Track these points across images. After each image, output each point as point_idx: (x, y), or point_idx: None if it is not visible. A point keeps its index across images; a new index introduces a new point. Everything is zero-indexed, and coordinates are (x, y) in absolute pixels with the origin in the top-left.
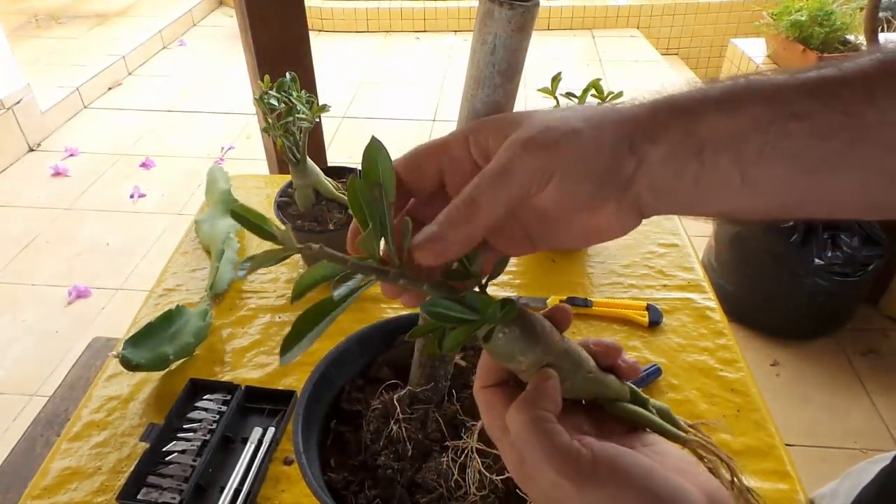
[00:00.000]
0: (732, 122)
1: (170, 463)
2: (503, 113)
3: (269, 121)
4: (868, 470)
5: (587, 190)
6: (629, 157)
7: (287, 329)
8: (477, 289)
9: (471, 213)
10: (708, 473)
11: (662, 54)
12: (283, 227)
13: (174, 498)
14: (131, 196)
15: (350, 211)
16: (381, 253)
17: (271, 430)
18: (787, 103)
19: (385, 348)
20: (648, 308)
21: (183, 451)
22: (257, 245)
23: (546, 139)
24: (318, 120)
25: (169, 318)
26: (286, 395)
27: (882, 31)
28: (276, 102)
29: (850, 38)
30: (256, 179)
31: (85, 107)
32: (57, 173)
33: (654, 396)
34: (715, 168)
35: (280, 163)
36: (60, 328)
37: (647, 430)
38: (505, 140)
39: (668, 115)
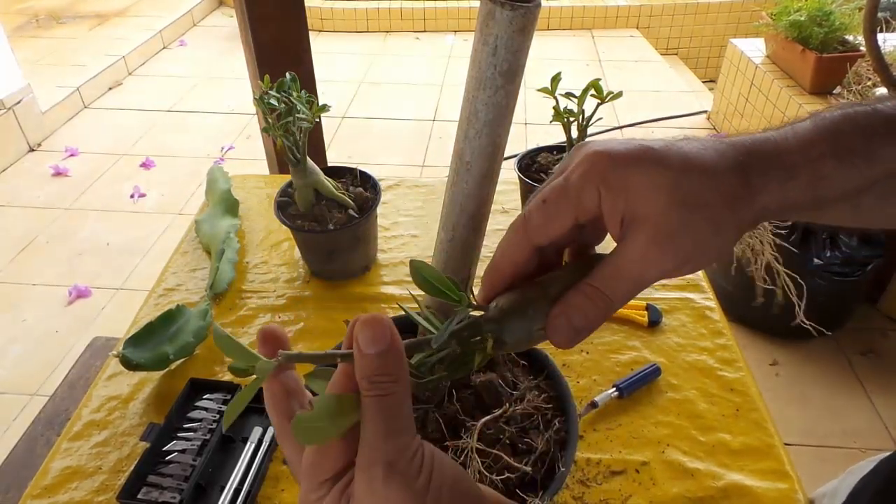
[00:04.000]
0: (863, 179)
1: (170, 462)
2: (629, 153)
3: (269, 121)
4: (868, 468)
5: (714, 261)
6: (752, 227)
7: (287, 328)
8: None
9: (605, 308)
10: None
11: (662, 54)
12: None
13: (174, 497)
14: (131, 196)
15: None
16: None
17: (271, 430)
18: None
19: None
20: (648, 308)
21: (183, 451)
22: (257, 245)
23: (675, 245)
24: (318, 120)
25: (169, 318)
26: None
27: (881, 31)
28: (276, 102)
29: (850, 38)
30: (256, 179)
31: (85, 107)
32: (57, 173)
33: (654, 396)
34: (832, 212)
35: (280, 163)
36: (60, 328)
37: None
38: (635, 211)
39: (801, 186)
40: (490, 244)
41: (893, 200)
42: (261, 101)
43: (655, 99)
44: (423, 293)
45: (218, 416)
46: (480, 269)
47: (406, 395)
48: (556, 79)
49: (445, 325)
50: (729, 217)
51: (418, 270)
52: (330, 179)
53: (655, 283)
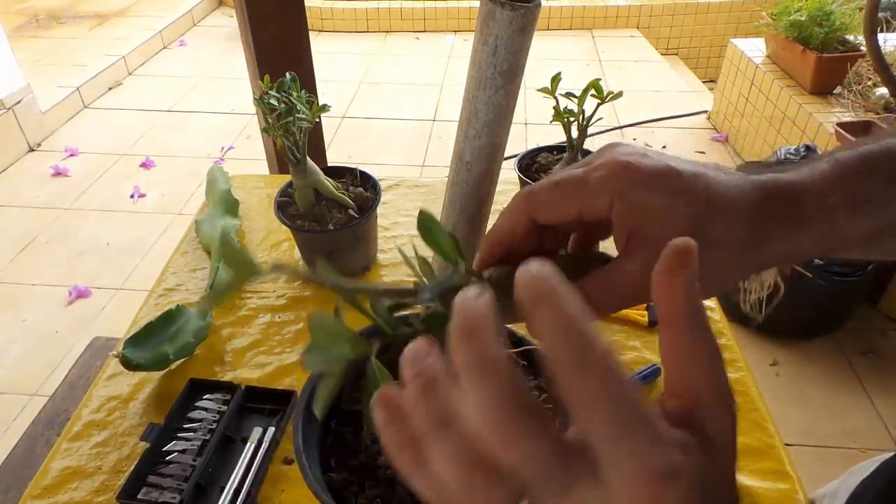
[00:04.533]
0: (875, 224)
1: (170, 463)
2: (654, 176)
3: (269, 121)
4: (869, 469)
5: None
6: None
7: (287, 328)
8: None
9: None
10: None
11: (662, 54)
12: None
13: (174, 498)
14: (131, 196)
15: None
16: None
17: (271, 430)
18: None
19: (386, 348)
20: (648, 308)
21: (183, 451)
22: (257, 245)
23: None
24: (318, 120)
25: (169, 318)
26: (286, 395)
27: (881, 31)
28: (276, 102)
29: (850, 38)
30: (256, 179)
31: (85, 107)
32: (57, 173)
33: (654, 396)
34: (841, 253)
35: (280, 163)
36: (60, 328)
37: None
38: (644, 235)
39: (812, 240)
40: None
41: None
42: (261, 101)
43: (655, 99)
44: (418, 265)
45: (218, 416)
46: None
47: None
48: (556, 79)
49: (435, 283)
50: (738, 260)
51: (423, 221)
52: (330, 179)
53: None
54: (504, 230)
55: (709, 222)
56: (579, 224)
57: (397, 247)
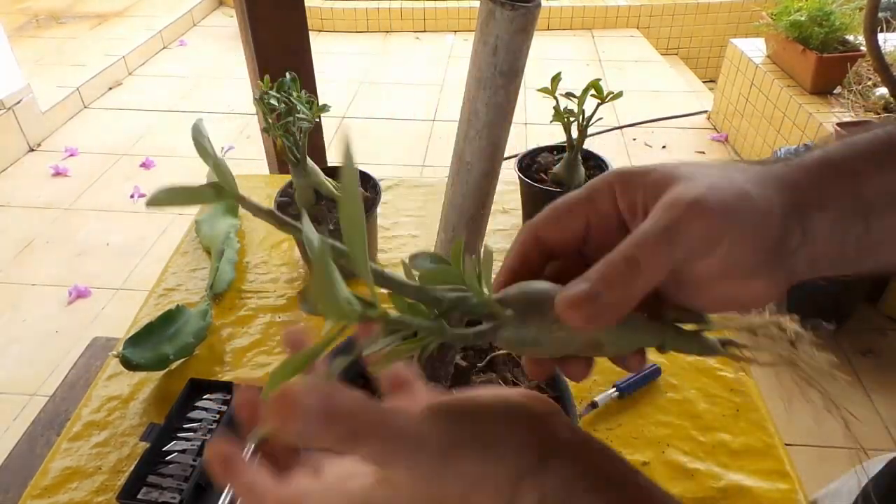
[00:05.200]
0: None
1: (170, 463)
2: (650, 165)
3: (269, 121)
4: (877, 469)
5: (752, 260)
6: (797, 226)
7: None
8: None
9: (631, 274)
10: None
11: (662, 54)
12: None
13: (174, 498)
14: (131, 196)
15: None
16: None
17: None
18: None
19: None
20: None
21: (183, 451)
22: (257, 245)
23: (716, 200)
24: (318, 120)
25: (169, 318)
26: None
27: (881, 31)
28: (276, 102)
29: (850, 38)
30: (256, 179)
31: (85, 107)
32: (57, 173)
33: (654, 396)
34: (881, 229)
35: (280, 163)
36: (60, 328)
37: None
38: (658, 197)
39: (833, 178)
40: (490, 243)
41: None
42: (261, 101)
43: (655, 99)
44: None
45: (218, 416)
46: None
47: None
48: (556, 79)
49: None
50: (775, 225)
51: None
52: (330, 179)
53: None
54: (514, 257)
55: (723, 193)
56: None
57: (402, 260)
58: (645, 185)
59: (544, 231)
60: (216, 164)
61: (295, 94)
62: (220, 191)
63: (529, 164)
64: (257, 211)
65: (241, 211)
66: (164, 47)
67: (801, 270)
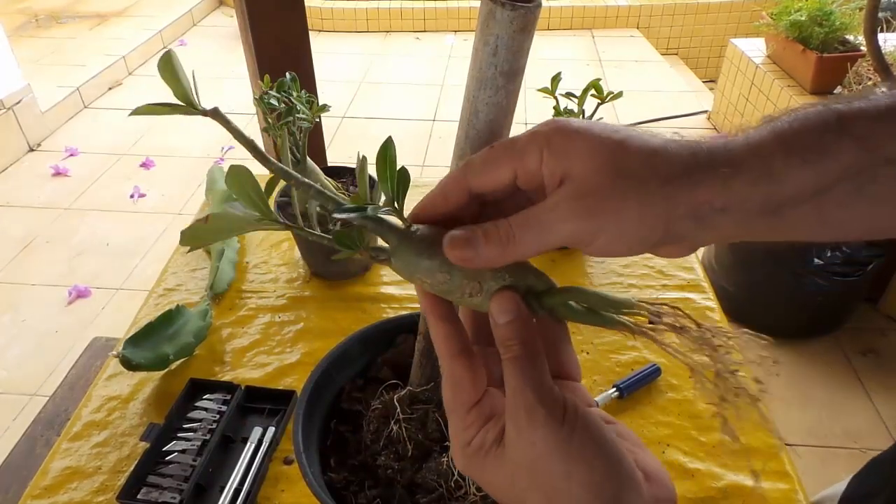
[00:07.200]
0: (819, 177)
1: (170, 463)
2: (584, 125)
3: (269, 121)
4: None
5: (636, 248)
6: (694, 226)
7: (287, 328)
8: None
9: (506, 244)
10: (651, 456)
11: (662, 54)
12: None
13: (174, 498)
14: (131, 196)
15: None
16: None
17: (271, 430)
18: (879, 147)
19: (385, 348)
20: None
21: (183, 451)
22: (257, 245)
23: (596, 204)
24: (318, 120)
25: (169, 318)
26: (286, 395)
27: (881, 31)
28: (276, 102)
29: (850, 38)
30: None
31: (85, 107)
32: (57, 173)
33: (654, 396)
34: (792, 218)
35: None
36: (60, 328)
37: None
38: (567, 176)
39: (746, 182)
40: None
41: (857, 204)
42: (261, 101)
43: (655, 99)
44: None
45: (218, 416)
46: None
47: (535, 355)
48: (556, 79)
49: (360, 205)
50: (659, 197)
51: (386, 152)
52: (330, 179)
53: (655, 284)
54: (436, 193)
55: (626, 156)
56: (515, 189)
57: (358, 153)
58: (565, 153)
59: (472, 178)
60: (184, 92)
61: (295, 93)
62: (192, 105)
63: None
64: (238, 136)
65: None
66: (164, 47)
67: (708, 243)
